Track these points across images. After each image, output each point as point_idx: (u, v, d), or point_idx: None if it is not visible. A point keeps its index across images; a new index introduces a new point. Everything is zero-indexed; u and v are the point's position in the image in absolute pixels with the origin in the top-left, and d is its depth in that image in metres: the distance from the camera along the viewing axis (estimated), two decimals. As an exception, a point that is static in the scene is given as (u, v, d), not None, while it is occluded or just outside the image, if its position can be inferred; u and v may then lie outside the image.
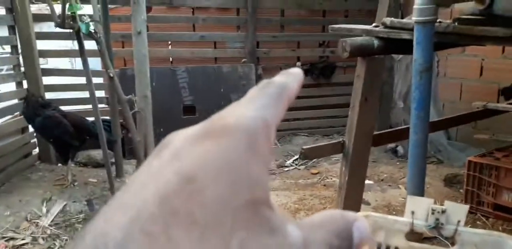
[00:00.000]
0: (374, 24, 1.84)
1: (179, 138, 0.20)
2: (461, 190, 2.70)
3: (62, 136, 2.71)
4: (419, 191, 1.61)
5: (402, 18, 3.59)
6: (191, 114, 3.68)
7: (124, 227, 0.16)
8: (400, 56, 3.53)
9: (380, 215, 1.45)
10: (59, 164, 3.28)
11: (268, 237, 0.17)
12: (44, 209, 2.50)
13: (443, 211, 1.38)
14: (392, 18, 1.77)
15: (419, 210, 1.42)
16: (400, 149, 3.51)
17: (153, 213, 0.16)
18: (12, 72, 3.20)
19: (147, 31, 2.69)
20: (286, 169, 3.34)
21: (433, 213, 1.39)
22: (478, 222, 2.33)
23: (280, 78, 0.23)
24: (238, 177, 0.18)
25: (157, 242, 0.16)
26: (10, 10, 3.08)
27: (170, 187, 0.17)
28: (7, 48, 3.22)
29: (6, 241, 2.20)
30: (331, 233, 0.19)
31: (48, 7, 2.41)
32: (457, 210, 1.39)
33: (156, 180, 0.18)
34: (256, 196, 0.18)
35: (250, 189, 0.18)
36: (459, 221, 1.40)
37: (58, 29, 2.45)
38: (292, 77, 0.23)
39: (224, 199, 0.17)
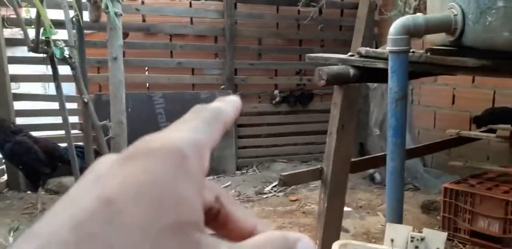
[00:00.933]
0: (349, 54, 1.88)
1: (104, 161, 0.19)
2: (438, 217, 2.70)
3: (32, 163, 2.62)
4: (398, 218, 1.60)
5: (376, 48, 3.70)
6: (168, 140, 3.62)
7: None
8: (375, 84, 3.61)
9: (360, 243, 1.43)
10: (29, 192, 3.15)
11: None
12: (11, 239, 2.37)
13: (422, 239, 1.37)
14: (367, 48, 1.81)
15: (398, 237, 1.41)
16: (377, 176, 3.53)
17: (66, 240, 0.15)
18: (-18, 96, 3.10)
19: (124, 57, 2.68)
20: (265, 196, 3.30)
21: (412, 241, 1.38)
22: (455, 249, 2.33)
23: (216, 103, 0.22)
24: (160, 197, 0.16)
25: None
26: (-18, 34, 3.03)
27: (87, 212, 0.16)
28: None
29: (-35, 275, 2.07)
30: None
31: (21, 32, 2.38)
32: (436, 238, 1.39)
33: (73, 206, 0.16)
34: (183, 218, 0.16)
35: (175, 210, 0.16)
36: (438, 249, 1.40)
37: (32, 54, 2.42)
38: (228, 103, 0.23)
39: (144, 221, 0.16)
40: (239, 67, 4.00)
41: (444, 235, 1.35)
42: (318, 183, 3.32)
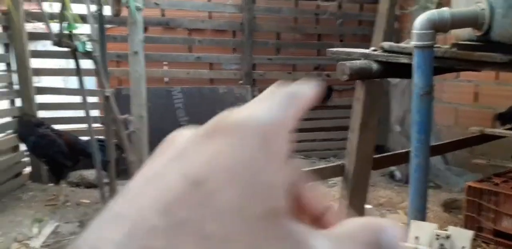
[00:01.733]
0: (372, 48, 1.85)
1: (184, 136, 0.18)
2: (459, 216, 2.66)
3: (55, 156, 2.67)
4: (421, 216, 1.57)
5: (397, 43, 3.64)
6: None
7: (120, 244, 0.13)
8: (397, 80, 3.56)
9: (383, 241, 1.41)
10: (51, 184, 3.20)
11: None
12: (35, 230, 2.43)
13: (448, 237, 1.35)
14: (391, 43, 1.78)
15: (423, 235, 1.38)
16: (397, 173, 3.48)
17: (155, 225, 0.14)
18: (5, 90, 3.16)
19: (144, 51, 2.69)
20: (282, 192, 3.29)
21: (437, 239, 1.36)
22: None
23: (294, 85, 0.20)
24: (253, 182, 0.15)
25: None
26: (5, 28, 3.08)
27: (174, 193, 0.15)
28: (1, 66, 3.20)
29: (-7, 264, 2.12)
30: (362, 245, 0.17)
31: (44, 26, 2.41)
32: (462, 236, 1.35)
33: (156, 184, 0.15)
34: (274, 204, 0.16)
35: (268, 196, 0.16)
36: (463, 247, 1.37)
37: (53, 48, 2.44)
38: (307, 86, 0.21)
39: (239, 207, 0.15)
40: (257, 62, 3.98)
41: (470, 233, 1.32)
42: (336, 179, 3.30)
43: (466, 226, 2.37)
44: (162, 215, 0.14)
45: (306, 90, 0.20)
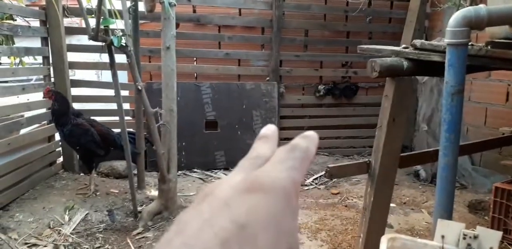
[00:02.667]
0: (403, 46, 1.85)
1: (223, 188, 0.23)
2: (486, 217, 2.63)
3: (88, 144, 2.76)
4: (448, 215, 1.57)
5: (426, 41, 3.59)
6: (213, 129, 3.71)
7: None
8: (425, 78, 3.52)
9: (409, 238, 1.42)
10: (82, 174, 3.32)
11: None
12: (67, 217, 2.52)
13: (475, 237, 1.35)
14: (423, 40, 1.77)
15: (449, 234, 1.39)
16: (422, 172, 3.45)
17: None
18: (42, 82, 3.28)
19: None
20: (306, 188, 3.31)
21: (464, 238, 1.36)
22: (504, 251, 2.26)
23: (303, 142, 0.27)
24: (281, 228, 0.21)
25: None
26: (44, 22, 3.19)
27: (227, 232, 0.20)
28: (39, 59, 3.32)
29: (28, 247, 2.22)
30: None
31: (79, 21, 2.49)
32: (490, 236, 1.36)
33: (212, 225, 0.20)
34: (293, 246, 0.21)
35: (289, 239, 0.21)
36: (491, 248, 1.36)
37: (88, 42, 2.52)
38: (311, 141, 0.27)
39: (270, 245, 0.20)
40: (284, 59, 4.00)
41: (498, 234, 1.32)
42: (360, 177, 3.30)
43: (492, 227, 2.34)
44: (221, 247, 0.19)
45: (311, 145, 0.27)
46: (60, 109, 2.75)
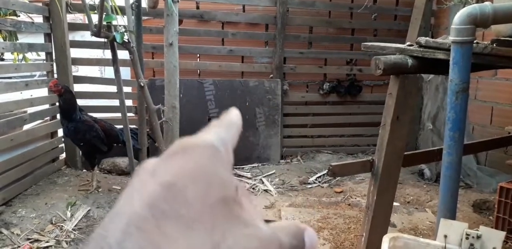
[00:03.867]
0: (408, 43, 1.83)
1: (150, 162, 0.24)
2: (491, 217, 2.60)
3: (93, 140, 2.76)
4: (451, 215, 1.56)
5: (432, 38, 3.56)
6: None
7: (122, 228, 0.19)
8: (430, 76, 3.49)
9: (412, 237, 1.40)
10: (85, 170, 3.32)
11: (244, 228, 0.21)
12: (69, 213, 2.53)
13: (478, 237, 1.33)
14: (428, 38, 1.75)
15: (452, 234, 1.38)
16: (427, 171, 3.43)
17: (144, 216, 0.20)
18: (45, 78, 3.28)
19: (178, 43, 2.74)
20: (309, 186, 3.30)
21: (467, 238, 1.34)
22: (508, 251, 2.24)
23: (227, 116, 0.28)
24: (210, 179, 0.21)
25: (151, 235, 0.19)
26: (47, 18, 3.18)
27: (155, 195, 0.20)
28: (42, 55, 3.32)
29: (30, 242, 2.22)
30: (291, 234, 0.22)
31: (82, 17, 2.48)
32: (493, 236, 1.34)
33: (141, 192, 0.21)
34: (227, 195, 0.21)
35: (221, 188, 0.21)
36: (494, 248, 1.35)
37: (91, 38, 2.51)
38: (234, 116, 0.28)
39: (202, 197, 0.20)
40: (288, 56, 3.98)
41: (502, 234, 1.30)
42: (364, 175, 3.28)
43: (497, 227, 2.32)
44: (149, 208, 0.20)
45: (237, 119, 0.28)
46: (69, 103, 2.73)
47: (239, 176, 3.47)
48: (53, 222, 2.43)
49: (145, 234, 0.19)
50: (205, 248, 0.19)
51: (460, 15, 1.45)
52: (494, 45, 1.58)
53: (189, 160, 0.22)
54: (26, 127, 3.06)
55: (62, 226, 2.39)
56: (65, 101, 2.72)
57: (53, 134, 3.28)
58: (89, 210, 2.59)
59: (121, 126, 2.88)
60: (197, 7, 3.82)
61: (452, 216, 1.56)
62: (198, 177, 0.21)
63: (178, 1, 2.57)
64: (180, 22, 3.67)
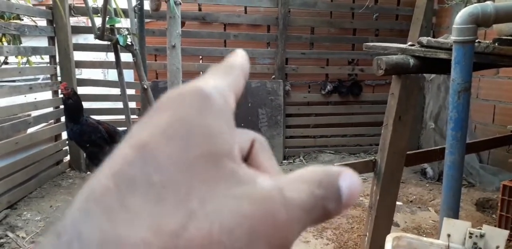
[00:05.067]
0: (409, 43, 1.84)
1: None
2: (494, 216, 2.61)
3: (98, 141, 2.79)
4: (454, 213, 1.56)
5: (434, 38, 3.56)
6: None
7: (80, 206, 0.16)
8: (432, 76, 3.50)
9: (415, 237, 1.41)
10: (89, 172, 3.34)
11: (233, 188, 0.17)
12: (73, 216, 2.54)
13: (482, 235, 1.34)
14: (429, 38, 1.76)
15: (455, 233, 1.38)
16: (429, 170, 3.43)
17: (107, 186, 0.16)
18: (49, 81, 3.30)
19: (180, 45, 2.75)
20: (312, 186, 3.31)
21: (470, 237, 1.35)
22: (512, 250, 2.24)
23: (228, 59, 0.23)
24: (189, 132, 0.17)
25: (112, 211, 0.16)
26: (50, 21, 3.21)
27: (123, 160, 0.17)
28: (46, 58, 3.34)
29: (36, 245, 2.23)
30: (312, 183, 0.18)
31: (85, 20, 2.50)
32: (496, 235, 1.35)
33: (111, 159, 0.17)
34: (214, 148, 0.17)
35: (206, 141, 0.17)
36: (498, 247, 1.35)
37: (94, 41, 2.53)
38: (242, 57, 0.23)
39: (176, 156, 0.17)
40: (290, 57, 3.99)
41: (505, 233, 1.31)
42: (367, 175, 3.29)
43: (500, 226, 2.32)
44: (113, 177, 0.16)
45: (240, 60, 0.23)
46: (75, 106, 2.76)
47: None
48: (58, 225, 2.44)
49: (105, 210, 0.16)
50: (175, 220, 0.16)
51: (461, 15, 1.45)
52: (496, 44, 1.58)
53: (170, 113, 0.18)
54: (30, 130, 3.08)
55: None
56: (73, 103, 2.75)
57: (57, 137, 3.30)
58: (94, 212, 2.60)
59: (125, 128, 2.89)
60: (199, 9, 3.84)
61: (455, 215, 1.57)
62: (174, 132, 0.17)
63: (180, 4, 2.59)
64: (183, 24, 3.68)
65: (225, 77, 0.21)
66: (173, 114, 0.18)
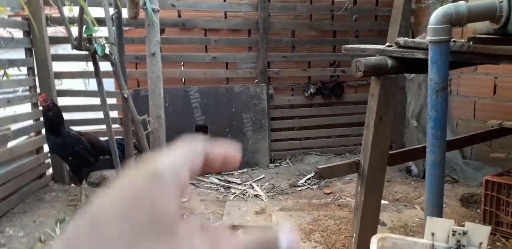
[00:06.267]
0: (387, 44, 1.85)
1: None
2: (478, 210, 2.64)
3: (82, 153, 2.77)
4: (438, 212, 1.58)
5: (413, 37, 3.61)
6: (204, 133, 3.69)
7: None
8: (412, 75, 3.54)
9: (399, 237, 1.42)
10: (73, 184, 3.29)
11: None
12: (58, 230, 2.49)
13: (465, 233, 1.35)
14: (406, 38, 1.78)
15: (439, 231, 1.40)
16: (414, 168, 3.47)
17: None
18: (28, 93, 3.25)
19: (161, 52, 2.74)
20: (299, 188, 3.31)
21: (454, 235, 1.36)
22: (497, 243, 2.27)
23: (193, 142, 0.28)
24: (138, 205, 0.20)
25: None
26: (27, 33, 3.16)
27: (78, 231, 0.20)
28: (23, 70, 3.29)
29: (19, 262, 2.19)
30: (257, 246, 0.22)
31: (64, 30, 2.47)
32: (479, 232, 1.36)
33: (67, 230, 0.20)
34: (157, 218, 0.20)
35: (151, 212, 0.20)
36: (481, 243, 1.37)
37: (74, 51, 2.50)
38: (200, 145, 0.28)
39: (123, 227, 0.19)
40: (272, 60, 4.00)
41: (487, 229, 1.33)
42: (353, 176, 3.30)
43: (485, 220, 2.35)
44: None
45: (200, 148, 0.27)
46: (55, 118, 2.71)
47: (229, 182, 3.47)
48: (42, 240, 2.39)
49: None
50: None
51: (435, 15, 1.47)
52: (471, 43, 1.61)
53: (125, 188, 0.22)
54: (10, 144, 3.02)
55: (51, 244, 2.36)
56: (53, 115, 2.70)
57: (39, 149, 3.25)
58: (79, 224, 2.56)
59: (107, 138, 2.86)
60: (179, 15, 3.83)
61: (440, 213, 1.58)
62: (126, 206, 0.20)
63: (158, 11, 2.57)
64: (163, 31, 3.67)
65: (184, 158, 0.25)
66: (127, 189, 0.21)
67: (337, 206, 2.82)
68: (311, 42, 4.13)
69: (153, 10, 2.51)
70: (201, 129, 3.70)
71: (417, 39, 1.83)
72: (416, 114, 3.60)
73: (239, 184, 3.44)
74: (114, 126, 3.00)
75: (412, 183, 3.30)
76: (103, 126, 3.06)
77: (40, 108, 2.82)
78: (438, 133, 1.54)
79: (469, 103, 3.51)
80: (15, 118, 2.97)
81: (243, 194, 3.21)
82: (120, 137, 3.07)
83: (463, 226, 1.35)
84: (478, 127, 3.22)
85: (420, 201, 2.84)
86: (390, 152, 1.97)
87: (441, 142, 1.54)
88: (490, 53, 1.50)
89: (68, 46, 3.32)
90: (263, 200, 3.07)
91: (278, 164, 3.97)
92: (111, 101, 3.42)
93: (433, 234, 1.37)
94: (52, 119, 2.70)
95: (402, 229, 2.44)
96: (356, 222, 1.89)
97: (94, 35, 2.36)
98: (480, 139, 2.66)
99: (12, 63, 3.00)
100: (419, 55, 1.65)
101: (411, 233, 2.38)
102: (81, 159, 2.80)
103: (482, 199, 2.39)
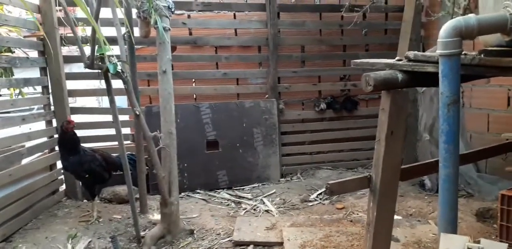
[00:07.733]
0: (397, 58, 1.84)
1: None
2: (495, 225, 2.57)
3: (98, 169, 2.83)
4: (452, 227, 1.54)
5: (423, 50, 3.60)
6: (215, 148, 3.70)
7: None
8: (424, 88, 3.52)
9: (414, 254, 1.39)
10: (85, 200, 3.31)
11: None
12: (70, 246, 2.50)
13: (481, 250, 1.31)
14: (416, 52, 1.77)
15: (454, 248, 1.36)
16: (427, 182, 3.41)
17: None
18: (42, 111, 3.30)
19: (172, 69, 2.78)
20: (310, 204, 3.28)
21: (469, 252, 1.33)
22: (517, 261, 2.20)
23: None
24: None
25: None
26: (42, 52, 3.23)
27: None
28: (39, 89, 3.36)
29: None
30: None
31: (78, 49, 2.52)
32: (496, 249, 1.32)
33: None
34: None
35: None
36: (498, 260, 1.33)
37: (87, 70, 2.55)
38: None
39: None
40: (282, 75, 4.03)
41: (504, 246, 1.29)
42: (365, 190, 3.26)
43: (501, 236, 2.29)
44: None
45: None
46: (74, 137, 2.83)
47: (240, 197, 3.45)
48: (54, 257, 2.39)
49: None
50: None
51: (445, 28, 1.46)
52: (482, 55, 1.59)
53: None
54: (24, 161, 3.06)
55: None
56: (72, 135, 2.81)
57: (52, 166, 3.28)
58: (90, 241, 2.56)
59: (118, 154, 2.89)
60: (190, 33, 3.89)
61: (453, 229, 1.54)
62: None
63: (169, 29, 2.62)
64: (174, 48, 3.73)
65: None
66: None
67: (349, 222, 2.78)
68: (321, 57, 4.15)
69: (164, 28, 2.56)
70: (212, 144, 3.71)
71: (427, 53, 1.82)
72: (429, 127, 3.56)
73: (250, 199, 3.41)
74: (126, 142, 3.03)
75: (426, 197, 3.24)
76: (115, 143, 3.09)
77: (54, 125, 2.86)
78: (451, 147, 1.51)
79: (483, 116, 3.47)
80: (29, 136, 3.01)
81: (254, 209, 3.19)
82: (132, 152, 3.10)
83: (478, 242, 1.32)
84: (492, 140, 3.17)
85: (434, 216, 2.78)
86: (403, 166, 1.94)
87: (454, 156, 1.51)
88: (502, 65, 1.48)
89: (82, 64, 3.40)
90: (274, 215, 3.04)
91: (289, 178, 3.94)
92: (123, 117, 3.45)
93: (448, 251, 1.33)
94: (72, 138, 2.79)
95: (416, 245, 2.39)
96: (368, 238, 1.86)
97: (106, 54, 2.40)
98: (495, 152, 2.61)
99: (28, 82, 3.06)
100: (430, 68, 1.63)
101: (426, 250, 2.33)
102: (96, 175, 2.85)
103: (498, 214, 2.33)
